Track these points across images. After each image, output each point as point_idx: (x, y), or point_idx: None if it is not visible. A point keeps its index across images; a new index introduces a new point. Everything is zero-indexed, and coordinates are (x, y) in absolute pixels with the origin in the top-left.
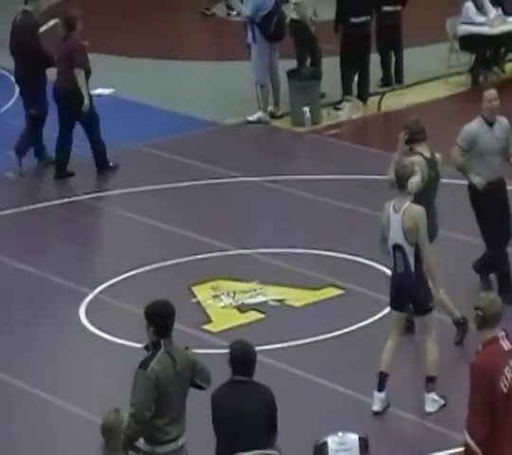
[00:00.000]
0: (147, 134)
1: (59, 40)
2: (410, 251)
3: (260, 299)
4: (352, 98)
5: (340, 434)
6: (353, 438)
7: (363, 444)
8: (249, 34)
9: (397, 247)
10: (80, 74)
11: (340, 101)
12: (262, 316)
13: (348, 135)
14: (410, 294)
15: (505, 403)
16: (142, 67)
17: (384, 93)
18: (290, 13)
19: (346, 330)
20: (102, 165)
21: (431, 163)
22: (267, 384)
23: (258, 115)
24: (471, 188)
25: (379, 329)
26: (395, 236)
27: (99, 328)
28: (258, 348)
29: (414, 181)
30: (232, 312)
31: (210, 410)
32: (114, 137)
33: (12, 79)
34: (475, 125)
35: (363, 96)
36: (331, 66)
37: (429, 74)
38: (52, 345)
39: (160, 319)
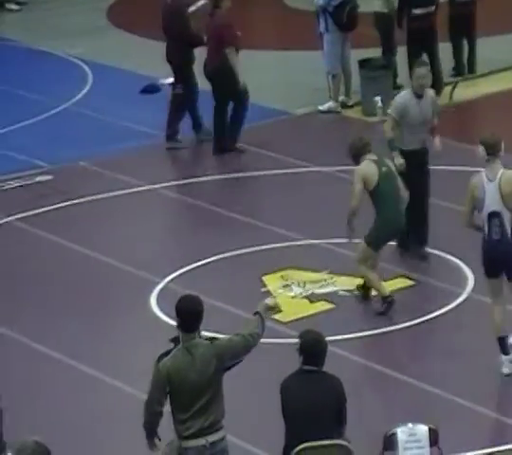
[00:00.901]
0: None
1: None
2: (507, 218)
3: (330, 289)
4: None
5: (410, 425)
6: (423, 429)
7: (433, 435)
8: (322, 24)
9: (494, 215)
10: (231, 52)
11: None
12: (331, 306)
13: None
14: (505, 259)
15: None
16: None
17: (456, 83)
18: (375, 6)
19: (416, 321)
20: (228, 147)
21: (380, 162)
22: (337, 374)
23: (329, 104)
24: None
25: (450, 320)
26: (492, 203)
27: (169, 316)
28: (327, 338)
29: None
30: (302, 302)
31: (279, 400)
32: (183, 126)
33: (86, 68)
34: (405, 96)
35: (436, 87)
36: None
37: (503, 64)
38: (123, 333)
39: (182, 314)
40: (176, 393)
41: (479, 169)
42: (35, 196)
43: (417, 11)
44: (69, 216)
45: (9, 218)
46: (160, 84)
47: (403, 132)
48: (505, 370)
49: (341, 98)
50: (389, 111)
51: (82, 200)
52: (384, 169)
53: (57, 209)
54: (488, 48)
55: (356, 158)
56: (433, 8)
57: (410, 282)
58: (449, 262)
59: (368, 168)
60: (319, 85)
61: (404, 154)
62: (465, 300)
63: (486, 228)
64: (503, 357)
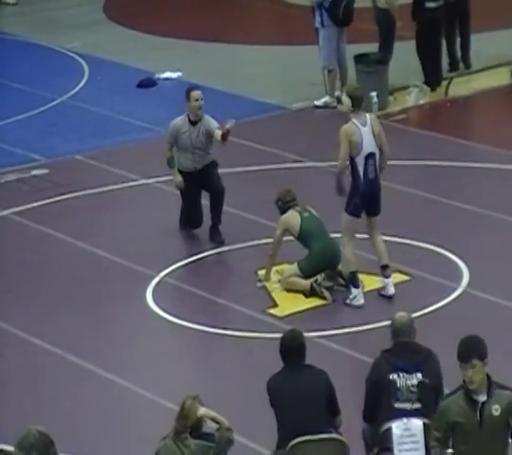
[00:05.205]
0: (213, 118)
1: None
2: (377, 157)
3: (326, 284)
4: (419, 83)
5: (405, 420)
6: (417, 424)
7: (428, 430)
8: (317, 19)
9: (371, 155)
10: None
11: (408, 87)
12: (327, 301)
13: (414, 120)
14: (377, 196)
15: None
16: (210, 51)
17: (451, 78)
18: (377, 2)
19: (412, 316)
20: None
21: (302, 210)
22: (331, 369)
23: (325, 99)
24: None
25: (445, 315)
26: (369, 146)
27: (164, 310)
28: (322, 333)
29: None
30: (298, 296)
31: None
32: None
33: (82, 62)
34: (179, 122)
35: (435, 80)
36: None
37: (498, 59)
38: (118, 327)
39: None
40: None
41: (475, 165)
42: (31, 190)
43: (431, 5)
44: (65, 210)
45: (5, 211)
46: (156, 79)
47: (177, 153)
48: (360, 301)
49: (337, 93)
50: (165, 136)
51: (77, 194)
52: (306, 214)
53: (53, 202)
54: (484, 44)
55: (283, 211)
56: (442, 2)
57: (405, 278)
58: (444, 256)
59: (291, 216)
60: (314, 80)
61: (181, 173)
62: (460, 295)
63: (362, 170)
64: (357, 290)
